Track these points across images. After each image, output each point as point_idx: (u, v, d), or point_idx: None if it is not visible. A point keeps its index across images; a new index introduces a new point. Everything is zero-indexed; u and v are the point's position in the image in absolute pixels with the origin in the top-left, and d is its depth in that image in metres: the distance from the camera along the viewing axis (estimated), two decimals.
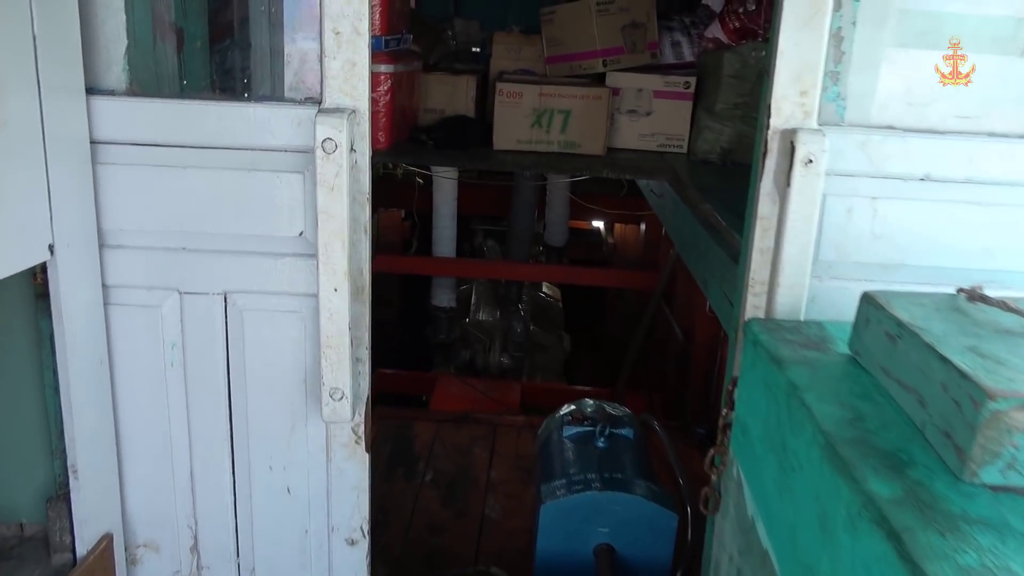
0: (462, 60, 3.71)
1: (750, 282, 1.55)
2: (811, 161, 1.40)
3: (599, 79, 3.07)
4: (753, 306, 1.56)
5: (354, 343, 1.56)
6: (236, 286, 1.62)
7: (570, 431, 2.42)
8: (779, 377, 1.13)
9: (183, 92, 1.62)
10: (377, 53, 2.66)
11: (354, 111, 1.48)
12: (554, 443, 2.43)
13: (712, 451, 1.68)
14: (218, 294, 1.62)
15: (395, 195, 5.81)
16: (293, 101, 1.53)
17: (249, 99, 1.54)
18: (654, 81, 3.03)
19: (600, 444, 2.33)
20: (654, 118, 3.06)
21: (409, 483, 2.78)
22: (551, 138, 2.93)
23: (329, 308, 1.49)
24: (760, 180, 1.50)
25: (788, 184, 1.41)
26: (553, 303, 6.88)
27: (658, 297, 4.99)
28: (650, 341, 5.35)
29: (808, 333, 1.30)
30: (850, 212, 1.53)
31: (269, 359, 1.65)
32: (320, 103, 1.49)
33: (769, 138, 1.48)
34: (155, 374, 1.65)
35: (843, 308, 1.57)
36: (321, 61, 1.47)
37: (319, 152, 1.41)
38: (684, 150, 3.06)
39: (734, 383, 1.60)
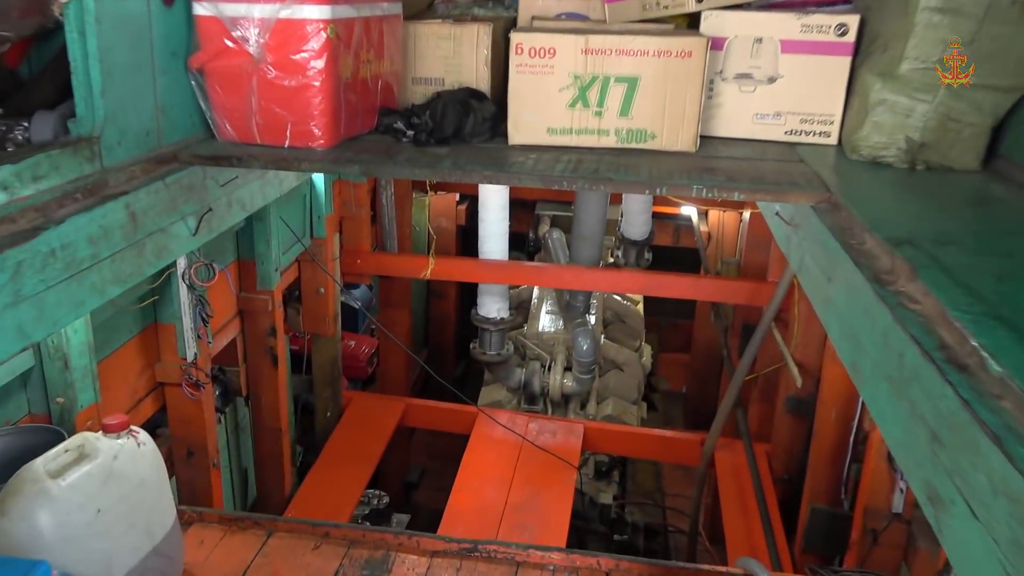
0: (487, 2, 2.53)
1: None
2: None
3: (690, 22, 1.86)
4: None
5: None
6: None
7: None
8: None
9: None
10: None
11: None
12: None
13: None
14: None
15: None
16: None
17: None
18: (783, 24, 1.79)
19: None
20: (782, 87, 1.82)
21: None
22: (604, 125, 1.75)
23: None
24: None
25: None
26: (630, 307, 5.67)
27: (769, 320, 3.72)
28: (755, 375, 4.09)
29: None
30: None
31: None
32: None
33: None
34: None
35: None
36: None
37: None
38: (834, 141, 1.82)
39: None
